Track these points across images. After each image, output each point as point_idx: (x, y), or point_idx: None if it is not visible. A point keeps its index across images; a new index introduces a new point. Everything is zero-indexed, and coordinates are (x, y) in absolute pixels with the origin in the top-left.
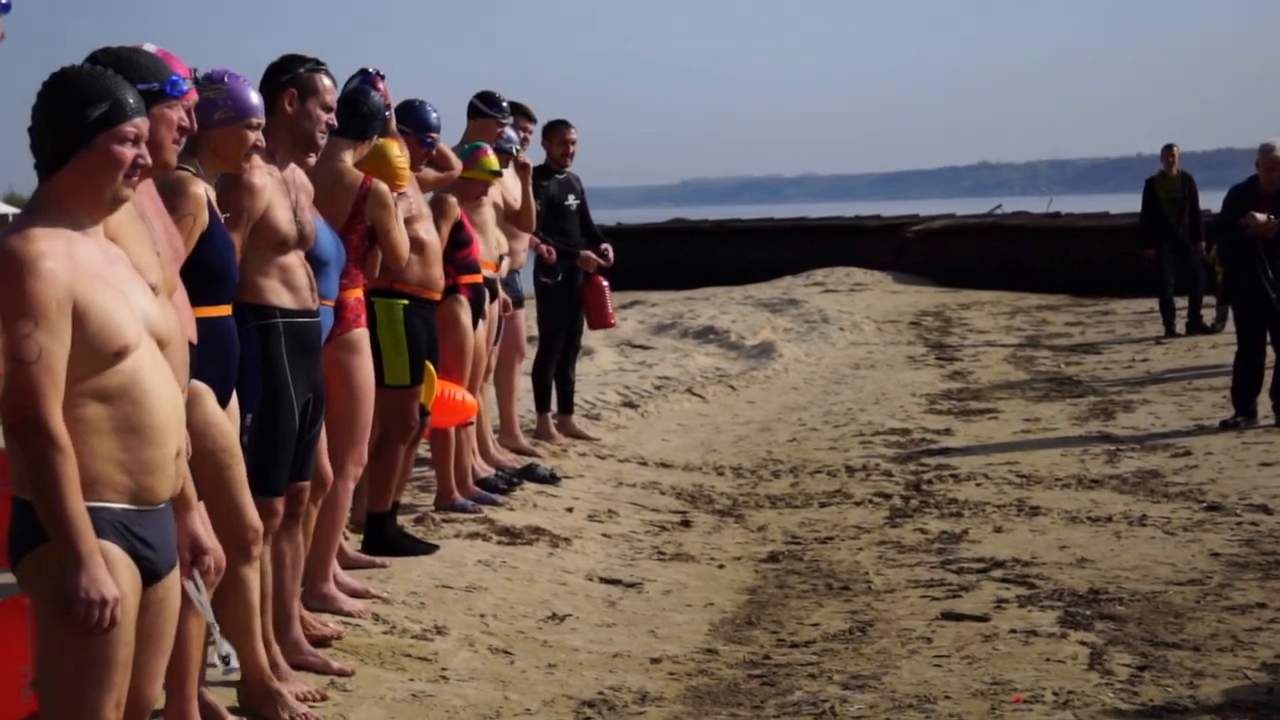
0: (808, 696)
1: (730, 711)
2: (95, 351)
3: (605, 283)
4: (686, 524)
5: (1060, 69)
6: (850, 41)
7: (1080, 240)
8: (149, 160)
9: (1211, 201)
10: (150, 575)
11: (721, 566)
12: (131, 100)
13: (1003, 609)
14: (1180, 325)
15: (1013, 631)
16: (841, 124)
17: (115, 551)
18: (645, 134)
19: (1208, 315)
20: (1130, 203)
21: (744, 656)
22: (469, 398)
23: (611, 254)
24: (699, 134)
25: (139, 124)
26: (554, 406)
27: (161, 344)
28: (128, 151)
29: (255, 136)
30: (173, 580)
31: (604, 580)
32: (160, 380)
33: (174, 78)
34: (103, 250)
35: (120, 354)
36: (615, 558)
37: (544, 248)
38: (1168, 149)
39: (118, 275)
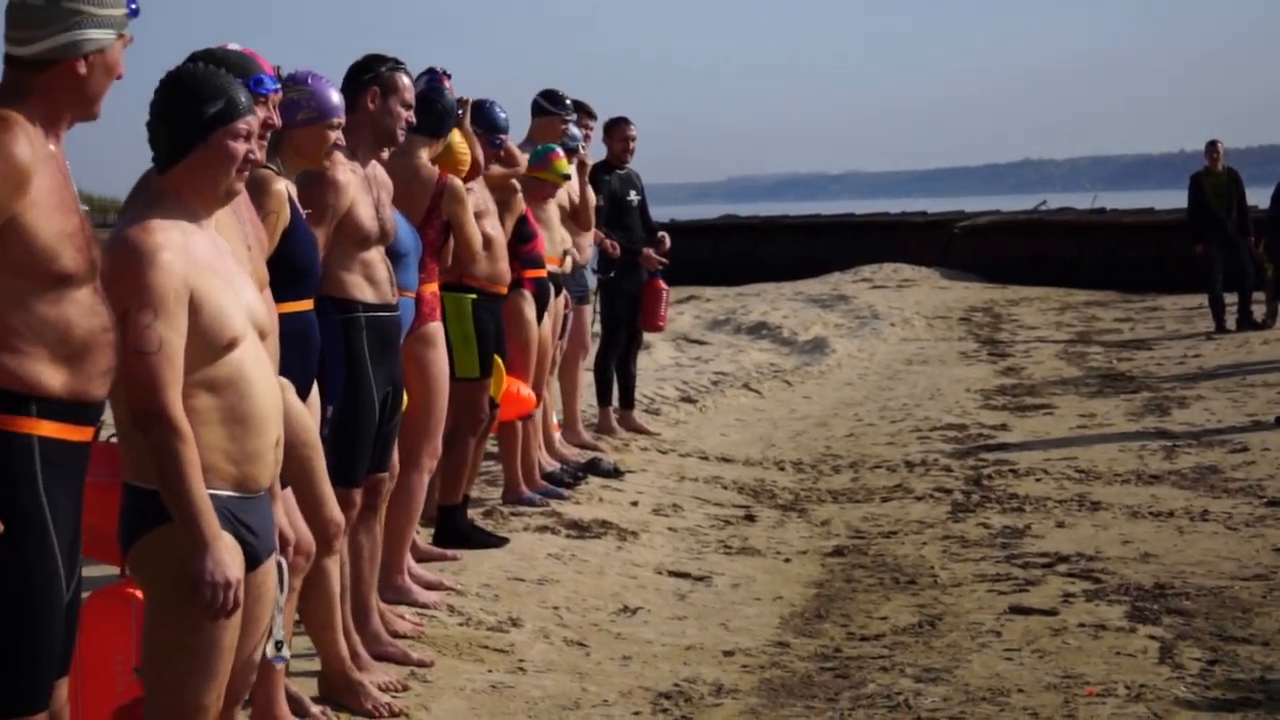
0: (881, 689)
1: (805, 704)
2: (208, 343)
3: (665, 286)
4: (750, 518)
5: (1102, 65)
6: (891, 37)
7: (1126, 236)
8: (259, 155)
9: (1258, 197)
10: (252, 560)
11: (788, 560)
12: (243, 98)
13: (1070, 603)
14: (1231, 321)
15: (1081, 625)
16: (884, 121)
17: (226, 538)
18: (691, 131)
19: (1258, 311)
20: (1174, 199)
21: (815, 649)
22: (527, 390)
23: (668, 242)
24: (744, 131)
25: (250, 121)
26: (615, 401)
27: (261, 336)
28: (241, 146)
29: (336, 135)
30: (270, 566)
31: (673, 573)
32: (263, 371)
33: (259, 76)
34: (213, 243)
35: (230, 345)
36: (682, 551)
37: (609, 243)
38: (1212, 145)
39: (226, 268)
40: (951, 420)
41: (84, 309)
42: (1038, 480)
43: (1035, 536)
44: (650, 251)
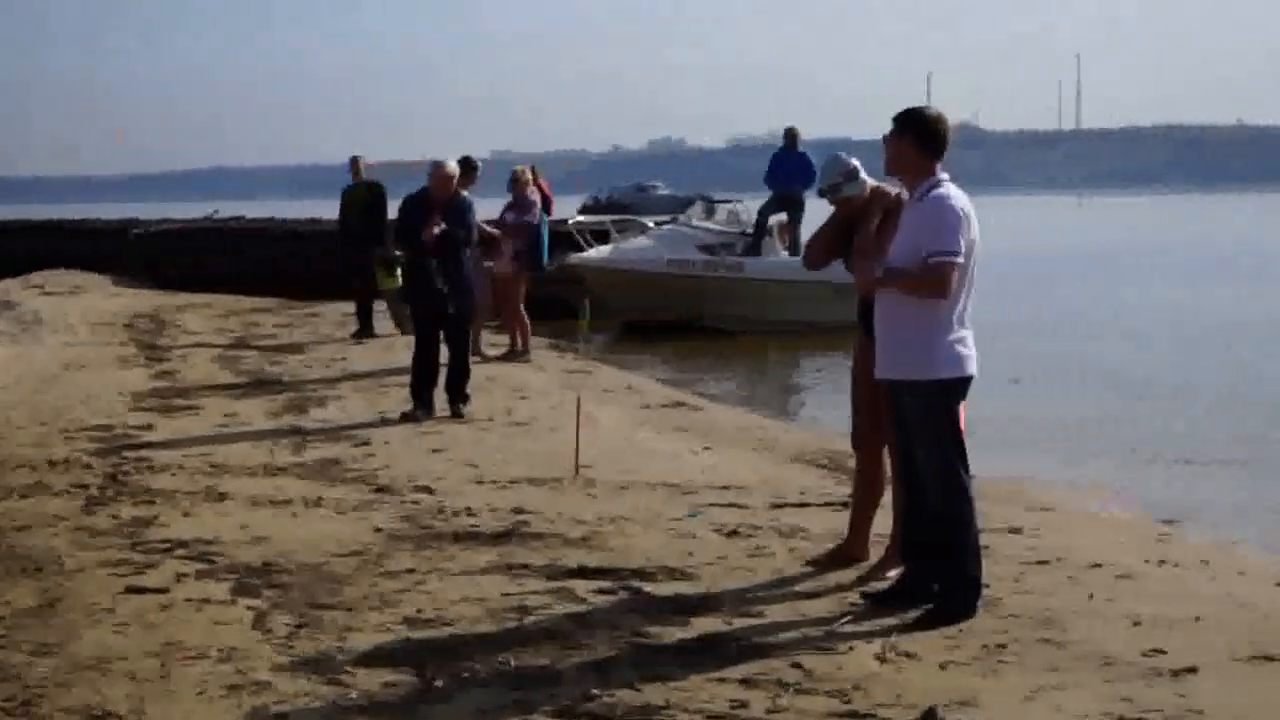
0: None
1: None
2: None
3: None
4: None
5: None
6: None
7: (291, 244)
8: None
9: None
10: None
11: None
12: None
13: (182, 582)
14: (380, 326)
15: (189, 600)
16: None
17: None
18: None
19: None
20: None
21: None
22: None
23: None
24: None
25: None
26: None
27: None
28: None
29: None
30: None
31: None
32: None
33: None
34: None
35: None
36: None
37: None
38: (354, 160)
39: None
40: (100, 422)
41: None
42: (173, 475)
43: (161, 525)
44: None
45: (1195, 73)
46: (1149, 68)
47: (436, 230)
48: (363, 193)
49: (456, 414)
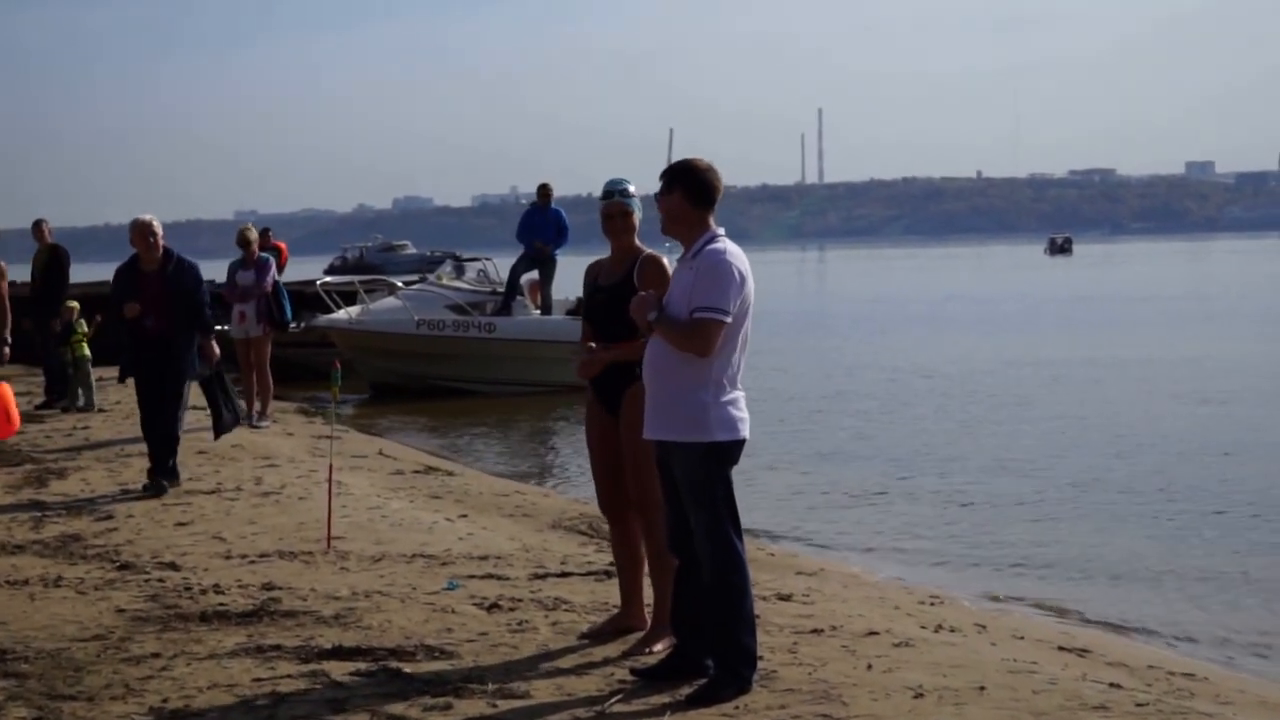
0: None
1: None
2: None
3: None
4: None
5: None
6: None
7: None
8: None
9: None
10: None
11: None
12: None
13: None
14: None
15: None
16: None
17: None
18: None
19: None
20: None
21: None
22: None
23: None
24: None
25: None
26: None
27: None
28: None
29: None
30: None
31: None
32: None
33: None
34: None
35: None
36: None
37: None
38: (36, 224)
39: None
40: None
41: None
42: None
43: None
44: None
45: (937, 134)
46: (892, 123)
47: (129, 315)
48: (44, 257)
49: (156, 488)
